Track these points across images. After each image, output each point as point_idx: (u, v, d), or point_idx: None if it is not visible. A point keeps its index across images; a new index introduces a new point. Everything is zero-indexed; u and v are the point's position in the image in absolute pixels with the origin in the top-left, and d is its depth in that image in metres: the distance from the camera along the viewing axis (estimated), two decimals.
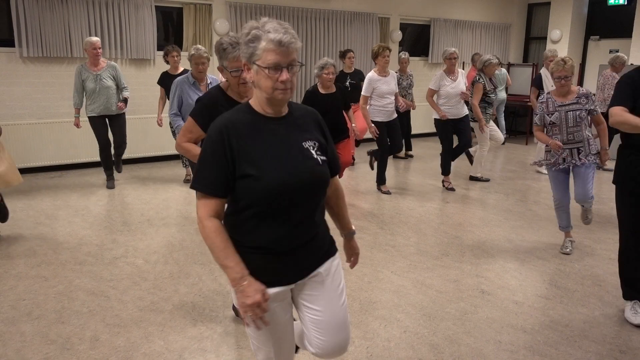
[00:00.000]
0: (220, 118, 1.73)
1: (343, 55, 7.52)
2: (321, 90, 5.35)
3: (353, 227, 2.05)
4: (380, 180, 6.36)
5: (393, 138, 6.11)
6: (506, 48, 11.67)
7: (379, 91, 5.88)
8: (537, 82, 7.40)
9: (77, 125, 6.08)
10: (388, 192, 6.28)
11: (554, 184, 4.32)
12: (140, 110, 7.65)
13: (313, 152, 1.77)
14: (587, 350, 2.95)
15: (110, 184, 6.37)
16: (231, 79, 2.60)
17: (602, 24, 10.70)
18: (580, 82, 10.92)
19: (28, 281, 3.75)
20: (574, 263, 4.23)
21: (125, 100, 6.12)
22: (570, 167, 4.23)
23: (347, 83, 7.32)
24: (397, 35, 10.07)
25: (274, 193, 1.66)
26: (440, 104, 6.28)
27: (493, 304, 3.51)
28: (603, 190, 6.63)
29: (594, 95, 4.13)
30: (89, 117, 6.07)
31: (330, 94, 5.37)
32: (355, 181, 6.87)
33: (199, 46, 4.29)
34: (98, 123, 6.08)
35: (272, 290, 1.75)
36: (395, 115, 6.12)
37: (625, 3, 10.21)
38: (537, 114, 4.27)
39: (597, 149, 4.20)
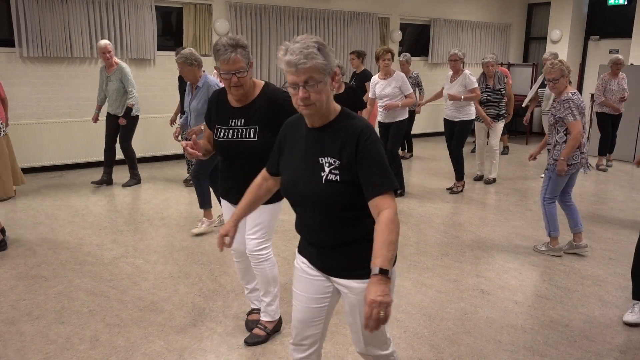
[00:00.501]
0: (293, 116, 2.00)
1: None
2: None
3: (376, 267, 1.62)
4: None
5: (387, 141, 6.07)
6: (506, 48, 11.68)
7: (377, 93, 5.95)
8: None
9: (94, 119, 6.40)
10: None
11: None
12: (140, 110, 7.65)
13: (327, 169, 1.79)
14: (587, 350, 2.95)
15: (106, 181, 6.54)
16: (223, 81, 2.57)
17: (602, 24, 10.70)
18: (580, 82, 10.93)
19: (28, 281, 3.75)
20: (574, 263, 4.23)
21: (127, 112, 6.16)
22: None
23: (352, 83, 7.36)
24: (397, 35, 10.07)
25: (283, 192, 1.92)
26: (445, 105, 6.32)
27: (493, 304, 3.51)
28: (603, 190, 6.63)
29: (569, 100, 4.00)
30: (106, 114, 6.39)
31: (339, 95, 5.35)
32: None
33: (184, 50, 4.43)
34: (107, 121, 6.37)
35: (301, 258, 2.02)
36: (400, 118, 5.95)
37: (625, 3, 10.21)
38: None
39: (557, 155, 4.14)
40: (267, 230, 2.81)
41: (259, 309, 3.13)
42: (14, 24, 6.64)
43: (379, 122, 6.13)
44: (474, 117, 6.24)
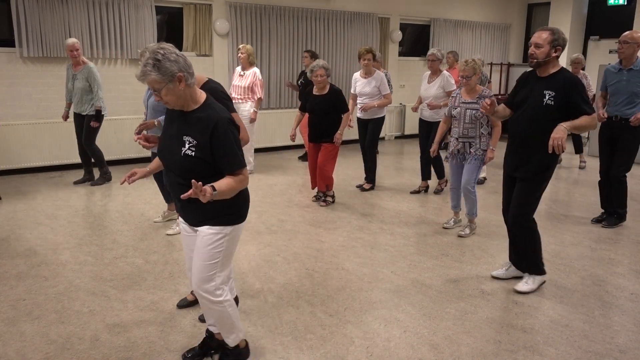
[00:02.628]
0: None
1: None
2: (314, 92, 5.54)
3: (212, 185, 2.22)
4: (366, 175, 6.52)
5: (365, 136, 6.32)
6: (506, 48, 11.68)
7: (357, 91, 6.21)
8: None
9: (63, 117, 6.52)
10: (363, 189, 6.41)
11: (450, 170, 4.86)
12: (139, 111, 7.64)
13: (187, 145, 2.34)
14: (587, 350, 2.95)
15: (92, 181, 6.59)
16: None
17: (602, 24, 10.69)
18: None
19: (28, 281, 3.75)
20: (573, 263, 4.23)
21: (97, 114, 6.19)
22: (464, 157, 4.70)
23: (299, 82, 7.82)
24: (397, 35, 10.07)
25: (158, 155, 2.55)
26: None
27: (493, 304, 3.51)
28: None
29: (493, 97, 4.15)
30: (73, 113, 6.46)
31: (320, 96, 5.46)
32: (356, 181, 6.87)
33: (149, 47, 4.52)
34: (75, 121, 6.45)
35: (180, 219, 2.66)
36: (377, 116, 6.16)
37: (625, 3, 10.21)
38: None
39: (486, 146, 4.60)
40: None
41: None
42: (14, 24, 6.64)
43: (358, 118, 6.32)
44: None
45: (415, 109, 6.40)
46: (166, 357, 2.83)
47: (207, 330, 2.83)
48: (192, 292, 3.45)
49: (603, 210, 5.31)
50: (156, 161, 2.74)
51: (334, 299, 3.53)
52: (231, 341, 2.70)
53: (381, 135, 10.35)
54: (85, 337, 3.02)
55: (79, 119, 6.35)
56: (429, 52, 5.99)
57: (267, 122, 8.80)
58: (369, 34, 9.66)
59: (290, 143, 8.77)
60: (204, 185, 2.17)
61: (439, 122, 5.96)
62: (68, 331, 3.08)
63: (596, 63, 10.55)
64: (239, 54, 6.82)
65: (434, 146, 4.97)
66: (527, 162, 3.48)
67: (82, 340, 2.98)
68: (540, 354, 2.91)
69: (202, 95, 2.38)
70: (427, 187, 6.43)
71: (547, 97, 3.34)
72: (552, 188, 6.64)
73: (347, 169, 7.59)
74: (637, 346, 3.01)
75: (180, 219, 2.62)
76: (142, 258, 4.21)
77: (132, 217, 5.24)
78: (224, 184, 2.28)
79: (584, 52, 11.04)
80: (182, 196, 2.19)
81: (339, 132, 5.50)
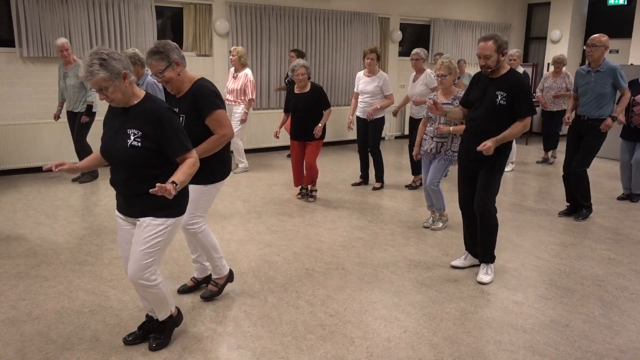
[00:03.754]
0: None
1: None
2: (296, 90, 5.66)
3: (170, 180, 2.44)
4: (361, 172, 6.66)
5: (367, 136, 6.36)
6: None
7: (360, 89, 6.28)
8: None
9: (55, 116, 6.54)
10: (357, 184, 6.64)
11: (423, 168, 5.00)
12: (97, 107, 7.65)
13: (132, 137, 2.51)
14: (587, 350, 2.95)
15: (80, 179, 6.63)
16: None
17: (602, 24, 10.69)
18: None
19: (28, 281, 3.75)
20: (573, 263, 4.23)
21: (88, 109, 6.29)
22: (434, 157, 4.80)
23: (287, 81, 7.93)
24: (397, 35, 10.07)
25: (102, 152, 2.67)
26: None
27: (493, 304, 3.51)
28: (603, 189, 6.63)
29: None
30: (66, 112, 6.53)
31: (302, 94, 5.59)
32: (354, 180, 6.87)
33: (129, 50, 4.79)
34: (69, 120, 6.54)
35: (117, 213, 2.78)
36: (378, 116, 6.18)
37: (625, 3, 10.21)
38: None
39: (457, 147, 4.59)
40: (197, 207, 3.22)
41: (195, 278, 3.62)
42: (14, 24, 6.64)
43: (358, 117, 6.37)
44: None
45: (395, 113, 6.45)
46: (166, 357, 2.83)
47: (147, 315, 3.00)
48: (191, 279, 3.65)
49: (568, 204, 5.55)
50: (88, 159, 2.81)
51: (334, 299, 3.53)
52: (164, 314, 2.90)
53: (382, 135, 10.42)
54: (85, 337, 3.02)
55: (73, 117, 6.43)
56: (413, 52, 6.13)
57: (267, 121, 8.79)
58: (369, 34, 9.65)
59: (290, 143, 8.75)
60: (161, 183, 2.39)
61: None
62: (68, 331, 3.08)
63: None
64: (231, 57, 6.94)
65: (416, 149, 4.98)
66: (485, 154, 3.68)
67: (82, 340, 2.98)
68: (540, 354, 2.91)
69: (142, 91, 2.60)
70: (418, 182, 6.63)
71: (499, 98, 3.61)
72: (545, 185, 6.64)
73: (347, 169, 7.59)
74: (637, 346, 3.01)
75: (118, 213, 2.75)
76: None
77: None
78: (181, 174, 2.49)
79: (584, 52, 11.04)
80: (151, 191, 2.32)
81: (319, 124, 5.58)
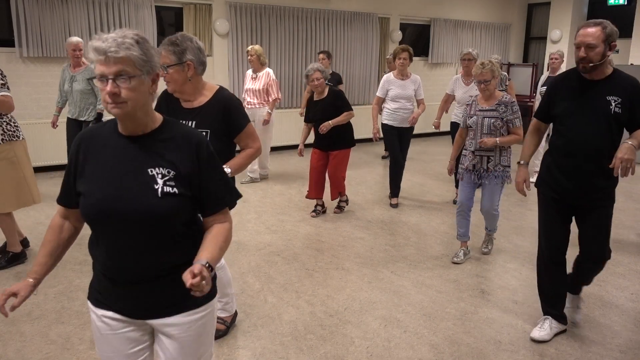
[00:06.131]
0: (86, 129, 1.69)
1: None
2: (314, 98, 5.17)
3: (204, 260, 1.53)
4: (391, 190, 5.81)
5: (401, 147, 5.69)
6: (506, 48, 11.67)
7: (391, 94, 5.55)
8: None
9: (53, 123, 6.06)
10: (395, 206, 5.75)
11: (460, 187, 4.22)
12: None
13: (160, 180, 1.56)
14: (587, 350, 2.96)
15: None
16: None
17: None
18: None
19: None
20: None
21: (98, 118, 5.74)
22: (480, 176, 4.09)
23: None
24: (397, 35, 10.07)
25: (91, 215, 1.58)
26: (456, 109, 5.83)
27: (493, 304, 3.51)
28: None
29: (515, 103, 3.97)
30: (67, 118, 5.97)
31: (320, 101, 5.10)
32: (357, 182, 6.87)
33: None
34: (68, 126, 5.95)
35: (100, 312, 1.67)
36: (409, 125, 5.59)
37: (625, 3, 10.21)
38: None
39: (508, 161, 4.05)
40: None
41: None
42: (14, 24, 6.64)
43: (388, 125, 5.62)
44: None
45: (437, 126, 5.86)
46: None
47: None
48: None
49: None
50: (47, 252, 1.71)
51: (334, 299, 3.53)
52: None
53: (381, 137, 10.40)
54: (85, 337, 3.02)
55: (76, 125, 5.82)
56: (465, 52, 5.68)
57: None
58: (369, 34, 9.65)
59: (290, 143, 8.76)
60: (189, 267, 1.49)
61: None
62: (68, 331, 3.08)
63: None
64: (249, 57, 6.40)
65: (451, 163, 4.34)
66: (595, 186, 2.85)
67: (82, 340, 2.98)
68: (540, 354, 2.91)
69: (159, 115, 1.69)
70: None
71: (613, 105, 2.74)
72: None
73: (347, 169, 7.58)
74: (637, 346, 3.01)
75: (106, 312, 1.66)
76: None
77: None
78: (214, 247, 1.60)
79: None
80: (189, 283, 1.43)
81: (330, 122, 4.99)
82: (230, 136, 2.67)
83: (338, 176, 5.24)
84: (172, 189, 1.56)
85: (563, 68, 7.75)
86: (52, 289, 3.63)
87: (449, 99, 5.96)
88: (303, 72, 9.01)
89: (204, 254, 1.55)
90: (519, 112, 4.01)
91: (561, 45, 10.80)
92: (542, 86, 7.68)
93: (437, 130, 6.24)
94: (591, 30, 2.69)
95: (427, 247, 4.54)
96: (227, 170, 2.26)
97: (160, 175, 1.56)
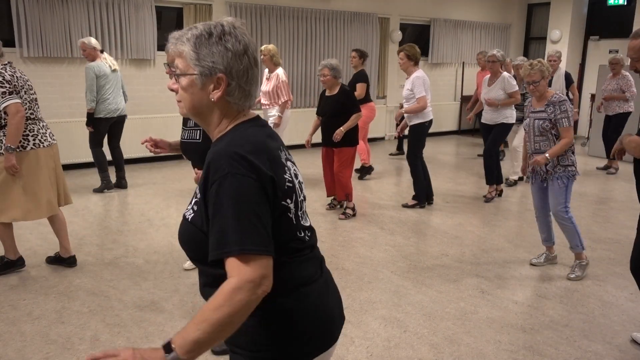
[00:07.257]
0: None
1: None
2: (326, 92, 5.28)
3: (168, 340, 1.22)
4: (417, 194, 5.75)
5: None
6: (506, 48, 11.67)
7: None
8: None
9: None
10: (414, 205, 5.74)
11: (531, 191, 4.15)
12: (140, 111, 7.65)
13: (191, 204, 1.35)
14: (587, 350, 2.96)
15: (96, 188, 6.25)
16: None
17: (602, 24, 10.69)
18: (580, 82, 10.92)
19: (28, 281, 3.75)
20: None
21: (89, 118, 5.82)
22: (543, 178, 3.94)
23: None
24: (397, 35, 10.07)
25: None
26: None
27: (493, 304, 3.51)
28: (603, 190, 6.63)
29: (565, 102, 3.77)
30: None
31: (330, 96, 5.20)
32: (357, 182, 6.87)
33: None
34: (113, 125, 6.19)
35: None
36: (416, 121, 5.56)
37: (625, 3, 10.21)
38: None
39: (569, 160, 3.84)
40: None
41: None
42: (14, 24, 6.65)
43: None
44: (514, 121, 5.89)
45: (470, 119, 6.38)
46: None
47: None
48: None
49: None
50: None
51: None
52: None
53: (381, 135, 10.42)
54: (85, 337, 3.02)
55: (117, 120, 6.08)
56: (489, 54, 5.74)
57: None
58: (369, 34, 9.66)
59: (290, 142, 8.76)
60: None
61: (501, 124, 5.81)
62: (68, 331, 3.08)
63: (596, 63, 10.56)
64: (262, 56, 6.26)
65: (523, 163, 4.27)
66: None
67: (82, 340, 2.98)
68: (540, 354, 2.91)
69: (236, 124, 1.36)
70: (498, 190, 6.12)
71: None
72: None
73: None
74: (637, 346, 3.01)
75: None
76: (142, 258, 4.21)
77: (132, 217, 5.24)
78: (194, 323, 1.18)
79: (584, 52, 11.05)
80: None
81: (341, 128, 5.03)
82: None
83: (341, 175, 5.25)
84: (190, 213, 1.33)
85: (563, 68, 7.77)
86: (52, 289, 3.63)
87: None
88: (303, 72, 9.06)
89: (175, 336, 1.20)
90: (569, 112, 3.77)
91: (561, 45, 10.81)
92: None
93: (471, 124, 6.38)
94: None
95: (427, 247, 4.54)
96: None
97: (195, 196, 1.33)
